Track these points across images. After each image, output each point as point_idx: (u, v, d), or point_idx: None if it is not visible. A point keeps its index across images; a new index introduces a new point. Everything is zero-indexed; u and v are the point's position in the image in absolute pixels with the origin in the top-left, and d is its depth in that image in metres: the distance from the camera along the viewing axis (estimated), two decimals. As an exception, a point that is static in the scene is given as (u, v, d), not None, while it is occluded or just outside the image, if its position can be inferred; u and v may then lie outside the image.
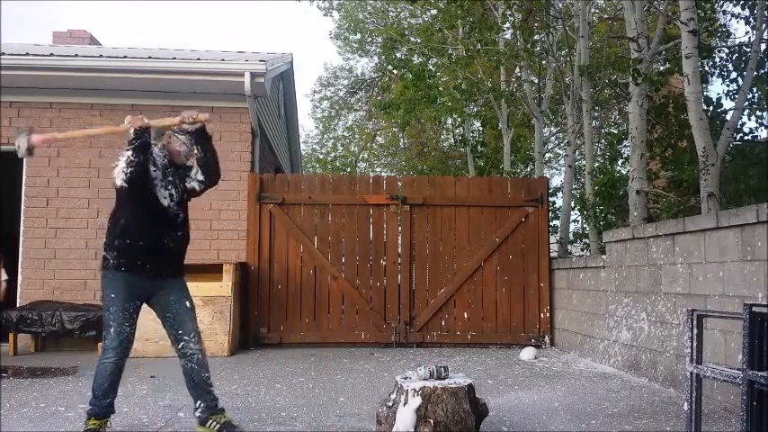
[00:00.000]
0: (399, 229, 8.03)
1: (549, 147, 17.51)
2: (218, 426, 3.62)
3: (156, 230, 3.64)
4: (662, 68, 9.21)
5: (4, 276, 6.95)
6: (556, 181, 16.95)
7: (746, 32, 10.55)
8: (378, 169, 23.46)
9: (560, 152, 17.97)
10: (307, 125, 34.88)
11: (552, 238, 9.15)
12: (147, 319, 6.72)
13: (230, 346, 6.90)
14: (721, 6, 9.34)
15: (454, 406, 3.32)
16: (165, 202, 3.68)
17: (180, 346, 3.71)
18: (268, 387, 5.15)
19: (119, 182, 3.57)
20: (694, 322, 3.12)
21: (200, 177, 3.78)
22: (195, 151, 3.75)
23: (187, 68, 7.61)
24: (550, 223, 9.56)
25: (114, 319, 3.54)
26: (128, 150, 3.54)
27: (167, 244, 3.67)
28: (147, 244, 3.60)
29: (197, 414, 3.68)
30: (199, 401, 3.69)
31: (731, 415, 4.06)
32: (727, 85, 8.53)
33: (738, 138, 8.34)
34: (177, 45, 11.92)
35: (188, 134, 3.74)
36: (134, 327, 3.62)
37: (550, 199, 11.50)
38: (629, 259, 5.94)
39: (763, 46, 7.33)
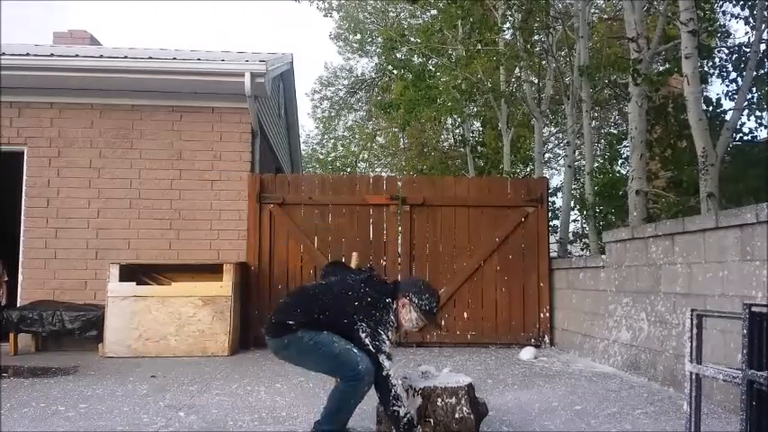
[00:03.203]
0: (399, 229, 8.04)
1: (549, 147, 17.54)
2: None
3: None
4: (661, 69, 9.22)
5: (5, 278, 6.98)
6: (556, 181, 16.98)
7: (746, 33, 10.54)
8: (378, 169, 23.48)
9: (560, 152, 17.98)
10: (307, 125, 34.87)
11: (552, 238, 9.16)
12: (147, 319, 6.81)
13: (230, 345, 6.91)
14: (721, 7, 9.36)
15: (454, 405, 3.33)
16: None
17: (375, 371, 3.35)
18: (268, 387, 5.16)
19: (382, 356, 3.25)
20: (694, 322, 3.13)
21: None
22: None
23: (187, 69, 7.61)
24: (550, 223, 9.57)
25: (355, 352, 3.26)
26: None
27: None
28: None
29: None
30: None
31: (731, 415, 4.07)
32: (727, 86, 8.56)
33: (738, 138, 8.36)
34: (177, 45, 11.93)
35: (420, 313, 3.41)
36: None
37: (550, 199, 11.53)
38: (629, 259, 5.95)
39: (762, 46, 7.34)
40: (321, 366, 3.42)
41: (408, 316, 3.40)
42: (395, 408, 3.21)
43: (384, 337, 3.27)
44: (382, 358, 3.23)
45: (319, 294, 3.44)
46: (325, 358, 3.28)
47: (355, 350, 3.24)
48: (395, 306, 3.39)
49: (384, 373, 3.22)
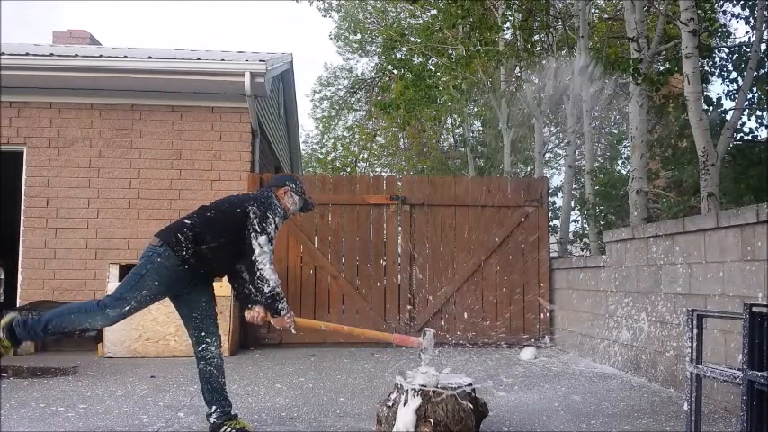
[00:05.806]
0: (399, 229, 8.03)
1: (549, 147, 17.53)
2: None
3: (236, 260, 3.71)
4: (662, 68, 9.20)
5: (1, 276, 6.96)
6: (556, 181, 17.00)
7: (746, 32, 10.56)
8: (378, 169, 23.50)
9: (560, 152, 17.99)
10: (307, 125, 34.91)
11: (552, 238, 9.15)
12: (147, 320, 6.80)
13: (230, 345, 6.90)
14: (721, 6, 9.35)
15: (454, 406, 3.32)
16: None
17: (201, 348, 3.64)
18: (268, 387, 5.15)
19: (263, 237, 3.52)
20: (694, 322, 3.12)
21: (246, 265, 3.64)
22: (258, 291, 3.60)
23: (187, 68, 7.61)
24: (550, 223, 9.56)
25: (138, 302, 3.45)
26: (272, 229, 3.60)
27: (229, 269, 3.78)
28: (221, 268, 3.70)
29: (211, 420, 3.61)
30: (214, 407, 3.62)
31: (731, 415, 4.06)
32: (727, 85, 8.55)
33: (738, 138, 8.34)
34: (177, 45, 11.92)
35: (300, 196, 3.90)
36: None
37: (550, 199, 11.53)
38: (629, 259, 5.94)
39: (762, 46, 7.34)
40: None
41: (292, 200, 3.87)
42: (260, 284, 3.53)
43: (272, 220, 3.60)
44: (262, 239, 3.52)
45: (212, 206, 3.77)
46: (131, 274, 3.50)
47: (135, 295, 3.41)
48: (277, 196, 3.81)
49: (252, 258, 3.50)
